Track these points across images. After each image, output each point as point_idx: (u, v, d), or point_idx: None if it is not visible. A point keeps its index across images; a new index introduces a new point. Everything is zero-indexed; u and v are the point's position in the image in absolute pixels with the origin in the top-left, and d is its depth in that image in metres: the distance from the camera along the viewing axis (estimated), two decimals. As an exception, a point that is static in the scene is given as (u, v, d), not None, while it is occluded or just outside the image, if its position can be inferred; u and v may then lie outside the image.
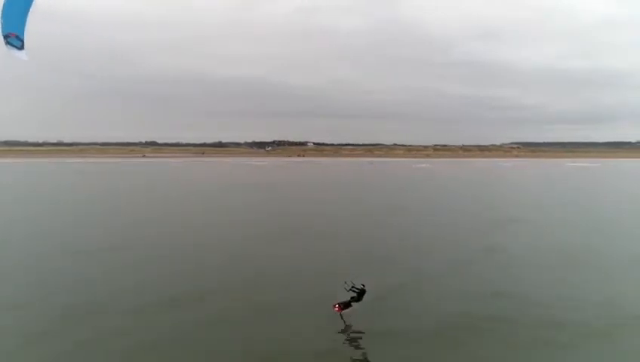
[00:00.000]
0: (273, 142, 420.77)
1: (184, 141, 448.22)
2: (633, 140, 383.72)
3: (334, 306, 20.77)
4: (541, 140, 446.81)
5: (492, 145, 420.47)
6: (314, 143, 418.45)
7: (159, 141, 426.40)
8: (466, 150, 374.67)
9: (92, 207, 62.02)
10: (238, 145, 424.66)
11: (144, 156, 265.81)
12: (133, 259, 32.56)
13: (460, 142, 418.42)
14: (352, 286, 20.92)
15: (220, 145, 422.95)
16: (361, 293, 20.95)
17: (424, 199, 73.50)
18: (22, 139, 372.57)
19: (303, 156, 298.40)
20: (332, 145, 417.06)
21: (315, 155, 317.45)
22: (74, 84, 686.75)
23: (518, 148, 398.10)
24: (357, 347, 18.99)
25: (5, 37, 14.73)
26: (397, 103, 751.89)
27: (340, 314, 20.65)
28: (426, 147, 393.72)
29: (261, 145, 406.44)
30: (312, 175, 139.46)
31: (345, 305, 20.79)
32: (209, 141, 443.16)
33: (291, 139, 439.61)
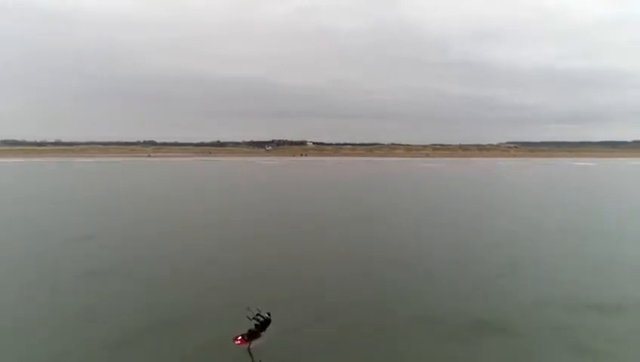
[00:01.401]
0: (272, 142, 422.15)
1: (182, 140, 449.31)
2: (629, 140, 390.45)
3: (235, 339, 17.82)
4: (538, 140, 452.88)
5: (489, 144, 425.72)
6: (313, 143, 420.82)
7: (157, 140, 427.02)
8: (465, 149, 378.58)
9: (130, 205, 63.70)
10: (237, 144, 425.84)
11: (149, 156, 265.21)
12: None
13: (457, 142, 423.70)
14: (257, 314, 18.17)
15: (218, 144, 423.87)
16: (265, 323, 18.15)
17: (455, 199, 75.89)
18: (20, 138, 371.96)
19: (306, 155, 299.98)
20: (331, 144, 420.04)
21: (315, 155, 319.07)
22: (74, 84, 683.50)
23: (516, 147, 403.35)
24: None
25: None
26: (397, 103, 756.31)
27: (248, 349, 17.58)
28: (424, 146, 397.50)
29: (260, 144, 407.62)
30: (328, 174, 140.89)
31: (250, 336, 17.75)
32: (207, 140, 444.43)
33: (289, 138, 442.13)
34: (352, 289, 26.23)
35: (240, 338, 17.76)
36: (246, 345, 17.51)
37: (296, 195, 78.91)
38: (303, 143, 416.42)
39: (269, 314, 18.42)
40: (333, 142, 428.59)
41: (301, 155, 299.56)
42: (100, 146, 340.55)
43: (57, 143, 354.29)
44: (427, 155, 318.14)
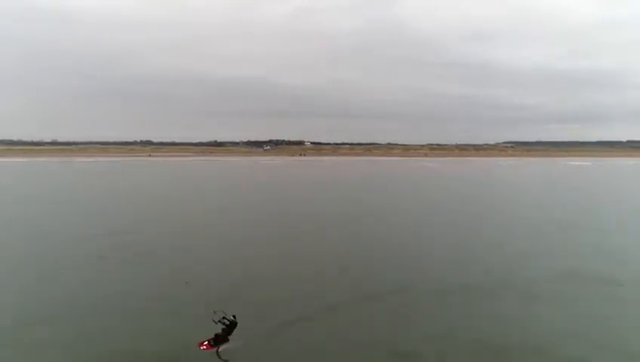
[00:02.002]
0: (270, 141, 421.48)
1: (179, 140, 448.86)
2: (625, 140, 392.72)
3: (201, 344, 17.92)
4: (534, 139, 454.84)
5: (486, 144, 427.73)
6: (311, 143, 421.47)
7: (155, 140, 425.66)
8: (462, 149, 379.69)
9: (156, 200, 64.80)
10: (235, 144, 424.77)
11: (150, 155, 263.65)
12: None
13: (454, 142, 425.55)
14: (223, 317, 18.26)
15: (216, 144, 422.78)
16: (231, 326, 18.24)
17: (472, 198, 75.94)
18: (16, 138, 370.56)
19: (305, 155, 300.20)
20: (329, 144, 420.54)
21: (314, 154, 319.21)
22: (73, 84, 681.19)
23: (512, 147, 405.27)
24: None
25: None
26: (395, 103, 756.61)
27: (217, 353, 17.76)
28: (422, 146, 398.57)
29: (258, 144, 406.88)
30: (331, 174, 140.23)
31: (217, 341, 17.96)
32: (204, 140, 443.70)
33: (287, 138, 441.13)
34: (353, 288, 26.40)
35: (206, 343, 17.85)
36: (212, 350, 17.60)
37: (301, 195, 79.09)
38: (300, 143, 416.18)
39: (234, 317, 18.44)
40: (331, 141, 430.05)
41: (300, 155, 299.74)
42: (99, 146, 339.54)
43: (54, 143, 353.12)
44: (425, 155, 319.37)
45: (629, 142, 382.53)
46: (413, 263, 32.59)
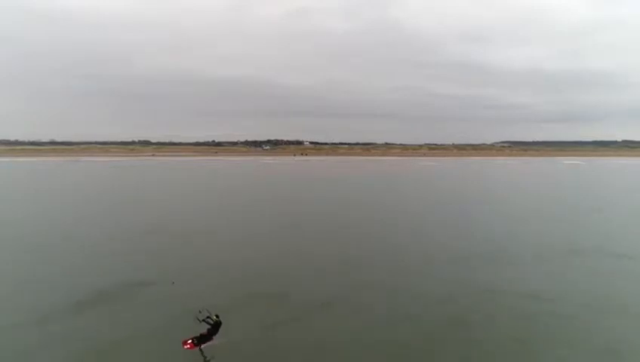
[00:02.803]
0: (268, 141, 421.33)
1: (177, 140, 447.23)
2: (619, 139, 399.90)
3: (185, 343, 17.99)
4: (530, 139, 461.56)
5: (484, 143, 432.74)
6: (310, 142, 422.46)
7: (153, 140, 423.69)
8: (461, 149, 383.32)
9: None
10: (234, 143, 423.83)
11: (153, 155, 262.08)
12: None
13: (451, 141, 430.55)
14: (207, 317, 18.47)
15: (214, 143, 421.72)
16: (215, 325, 18.45)
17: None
18: (13, 138, 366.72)
19: (306, 155, 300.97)
20: (326, 144, 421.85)
21: (313, 154, 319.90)
22: (71, 84, 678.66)
23: (510, 147, 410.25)
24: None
25: None
26: (392, 103, 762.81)
27: (200, 350, 17.86)
28: (420, 146, 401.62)
29: (257, 144, 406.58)
30: (343, 173, 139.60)
31: (200, 340, 18.12)
32: (202, 140, 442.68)
33: (285, 138, 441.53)
34: (346, 289, 25.89)
35: (190, 341, 17.84)
36: (195, 349, 17.68)
37: (322, 194, 79.12)
38: (299, 143, 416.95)
39: (217, 316, 18.55)
40: (329, 141, 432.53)
41: (302, 154, 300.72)
42: (98, 146, 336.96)
43: (53, 143, 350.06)
44: (424, 154, 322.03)
45: (624, 141, 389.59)
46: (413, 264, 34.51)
